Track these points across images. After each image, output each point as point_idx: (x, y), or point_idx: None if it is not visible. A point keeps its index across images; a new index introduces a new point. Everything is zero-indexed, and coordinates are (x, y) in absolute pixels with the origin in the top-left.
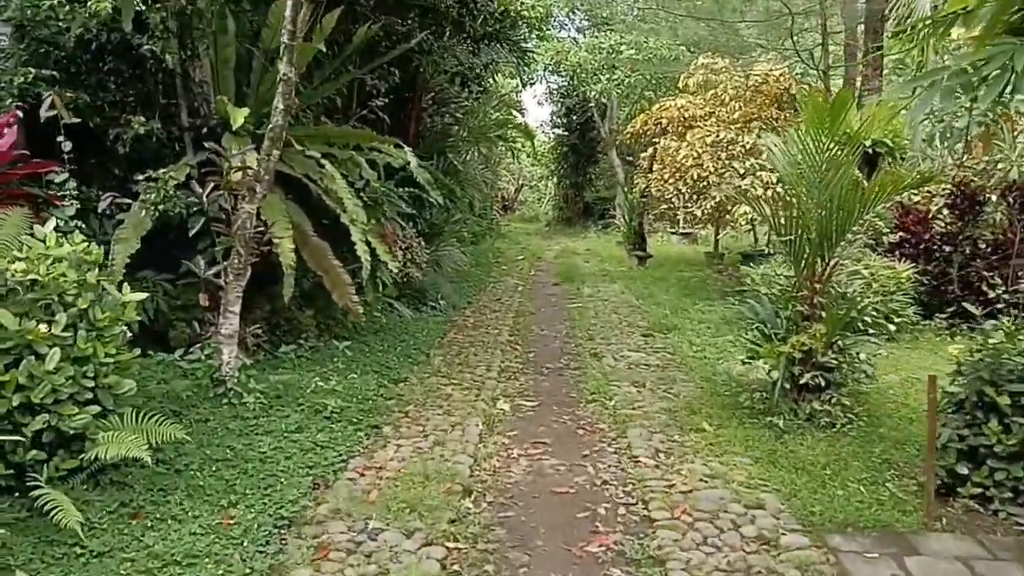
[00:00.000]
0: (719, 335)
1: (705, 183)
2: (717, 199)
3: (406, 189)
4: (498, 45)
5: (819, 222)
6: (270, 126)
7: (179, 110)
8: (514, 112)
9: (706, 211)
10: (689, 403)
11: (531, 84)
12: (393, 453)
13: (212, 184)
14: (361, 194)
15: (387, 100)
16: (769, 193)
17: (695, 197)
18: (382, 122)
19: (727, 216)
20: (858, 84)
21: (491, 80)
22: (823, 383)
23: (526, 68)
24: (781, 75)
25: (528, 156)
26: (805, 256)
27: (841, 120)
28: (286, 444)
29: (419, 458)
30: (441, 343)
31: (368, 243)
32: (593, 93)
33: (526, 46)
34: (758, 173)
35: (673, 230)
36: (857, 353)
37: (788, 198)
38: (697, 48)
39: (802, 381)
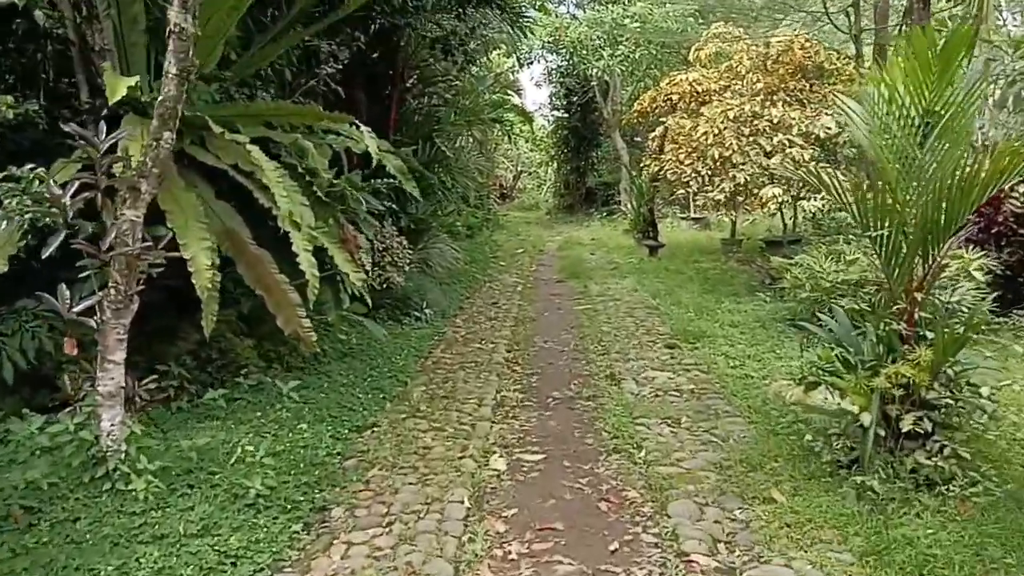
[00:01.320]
0: (756, 342)
1: (727, 163)
2: (740, 180)
3: (383, 180)
4: (487, 8)
5: (923, 209)
6: (159, 99)
7: (78, 88)
8: (511, 93)
9: (727, 194)
10: (744, 452)
11: (528, 64)
12: (339, 561)
13: (77, 183)
14: (314, 188)
15: (342, 69)
16: (799, 174)
17: (715, 179)
18: (334, 96)
19: (750, 199)
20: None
21: (479, 51)
22: (929, 427)
23: (521, 36)
24: (807, 42)
25: (527, 141)
26: (900, 256)
27: (956, 68)
28: (178, 560)
29: (374, 570)
30: (424, 366)
31: (324, 249)
32: (595, 71)
33: (519, 9)
34: (788, 150)
35: (684, 215)
36: (975, 386)
37: (877, 179)
38: (706, 18)
39: (904, 427)
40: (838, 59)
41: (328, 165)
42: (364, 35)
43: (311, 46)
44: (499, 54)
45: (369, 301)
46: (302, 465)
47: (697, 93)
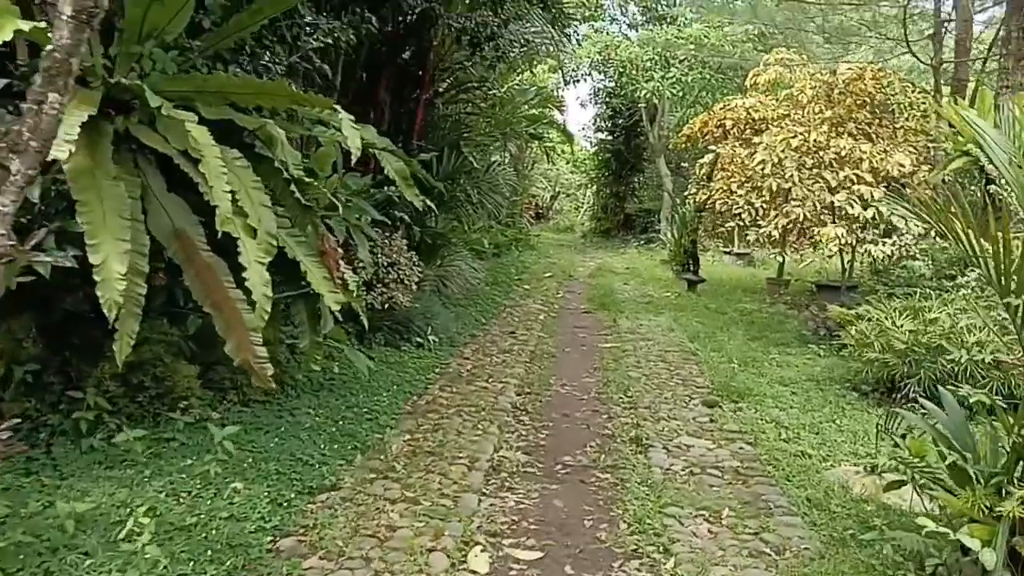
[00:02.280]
0: (812, 407)
1: (785, 196)
2: (799, 216)
3: (392, 189)
4: (527, 3)
5: None
6: (46, 50)
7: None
8: (553, 109)
9: (781, 230)
10: (806, 574)
11: (575, 82)
12: None
13: None
14: (292, 189)
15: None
16: (869, 213)
17: (770, 212)
18: (319, 77)
19: (803, 238)
20: (971, 86)
21: (516, 51)
22: None
23: (564, 41)
24: (880, 71)
25: (567, 162)
26: None
27: None
28: None
29: None
30: (414, 407)
31: (297, 264)
32: (643, 93)
33: (561, 7)
34: (855, 187)
35: (727, 249)
36: None
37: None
38: (765, 43)
39: None
40: (912, 91)
41: (334, 164)
42: (391, 25)
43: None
44: (544, 69)
45: (365, 322)
46: (216, 547)
47: (753, 120)
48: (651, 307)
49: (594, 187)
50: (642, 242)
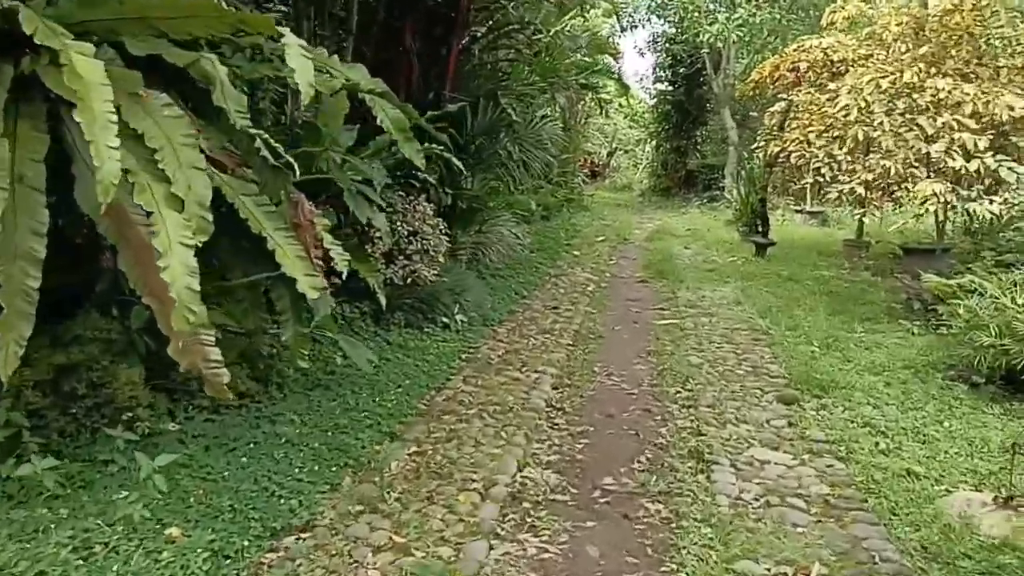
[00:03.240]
0: (913, 404)
1: (873, 146)
2: (891, 169)
3: (428, 145)
4: None
5: None
6: None
7: None
8: (607, 57)
9: (866, 185)
10: None
11: (632, 27)
12: None
13: None
14: (257, 146)
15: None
16: (973, 166)
17: (855, 166)
18: (329, 16)
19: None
20: None
21: None
22: None
23: None
24: (980, 2)
25: (624, 116)
26: None
27: None
28: None
29: None
30: (429, 406)
31: (269, 243)
32: (707, 37)
33: None
34: (957, 134)
35: (798, 207)
36: None
37: None
38: None
39: None
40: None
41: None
42: None
43: None
44: (598, 13)
45: (383, 300)
46: None
47: (831, 63)
48: (715, 275)
49: (653, 142)
50: (705, 201)
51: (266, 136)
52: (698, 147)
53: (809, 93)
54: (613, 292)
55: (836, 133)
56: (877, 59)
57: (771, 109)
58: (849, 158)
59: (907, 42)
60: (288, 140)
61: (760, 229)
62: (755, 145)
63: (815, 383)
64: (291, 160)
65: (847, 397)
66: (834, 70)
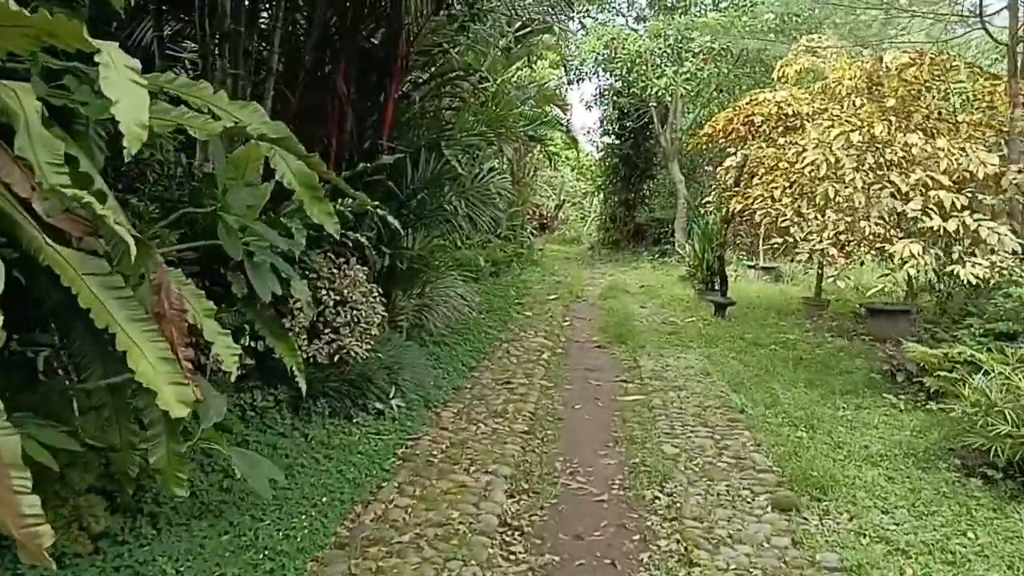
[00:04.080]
0: (925, 505)
1: (844, 202)
2: (865, 227)
3: (344, 201)
4: None
5: None
6: None
7: None
8: (556, 109)
9: (842, 243)
10: None
11: (578, 81)
12: None
13: None
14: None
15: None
16: (951, 226)
17: (826, 224)
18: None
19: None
20: None
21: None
22: None
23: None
24: (940, 55)
25: (572, 168)
26: None
27: None
28: None
29: None
30: (352, 533)
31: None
32: (654, 91)
33: None
34: (933, 192)
35: (751, 263)
36: None
37: None
38: (788, 34)
39: None
40: (982, 78)
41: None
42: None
43: None
44: (545, 64)
45: (303, 386)
46: None
47: (785, 116)
48: (676, 339)
49: (601, 195)
50: (656, 255)
51: (105, 194)
52: (646, 200)
53: (763, 147)
54: (570, 360)
55: (802, 189)
56: (832, 113)
57: (725, 164)
58: (819, 216)
59: (861, 96)
60: (182, 197)
61: (718, 288)
62: (707, 199)
63: (811, 482)
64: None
65: (850, 499)
66: (788, 123)
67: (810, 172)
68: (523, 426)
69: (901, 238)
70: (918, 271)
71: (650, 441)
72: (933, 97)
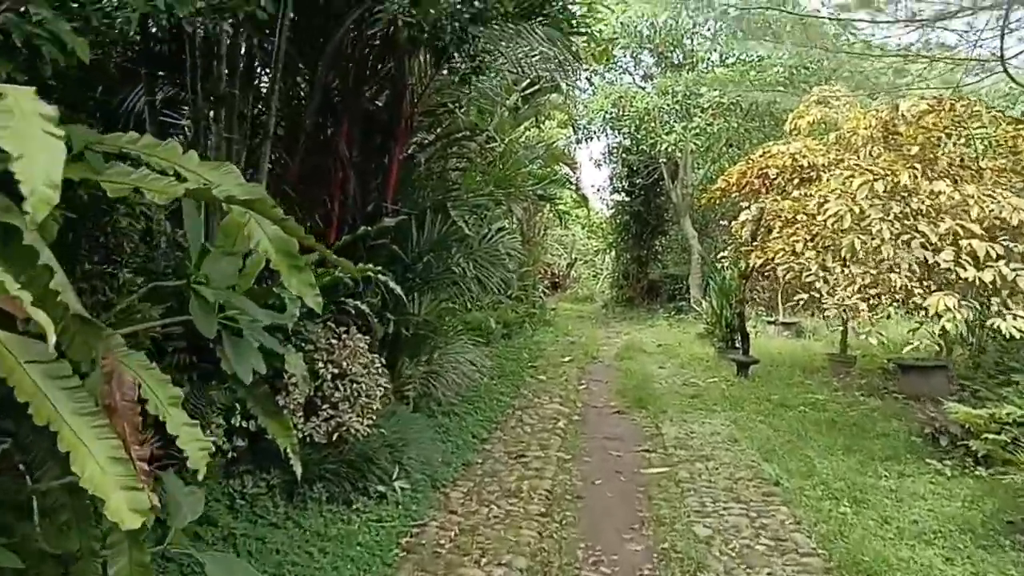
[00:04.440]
0: None
1: (873, 255)
2: (896, 280)
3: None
4: (528, 24)
5: None
6: None
7: None
8: (565, 167)
9: (871, 297)
10: None
11: (587, 139)
12: None
13: None
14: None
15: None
16: (987, 276)
17: (854, 277)
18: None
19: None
20: None
21: (492, 61)
22: None
23: (575, 62)
24: (961, 99)
25: (583, 227)
26: None
27: None
28: None
29: None
30: None
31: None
32: (663, 147)
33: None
34: (964, 241)
35: (771, 319)
36: None
37: None
38: (797, 87)
39: None
40: (1006, 123)
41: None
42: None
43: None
44: (553, 124)
45: (298, 470)
46: None
47: (800, 168)
48: (699, 402)
49: (613, 252)
50: (671, 312)
51: (52, 271)
52: (659, 257)
53: (777, 200)
54: (587, 428)
55: (826, 242)
56: (850, 163)
57: (740, 218)
58: (845, 270)
59: (877, 145)
60: (167, 268)
61: (739, 345)
62: (721, 254)
63: (863, 567)
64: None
65: None
66: (803, 175)
67: (833, 224)
68: (539, 507)
69: (933, 290)
70: (956, 325)
71: (679, 521)
72: (954, 143)
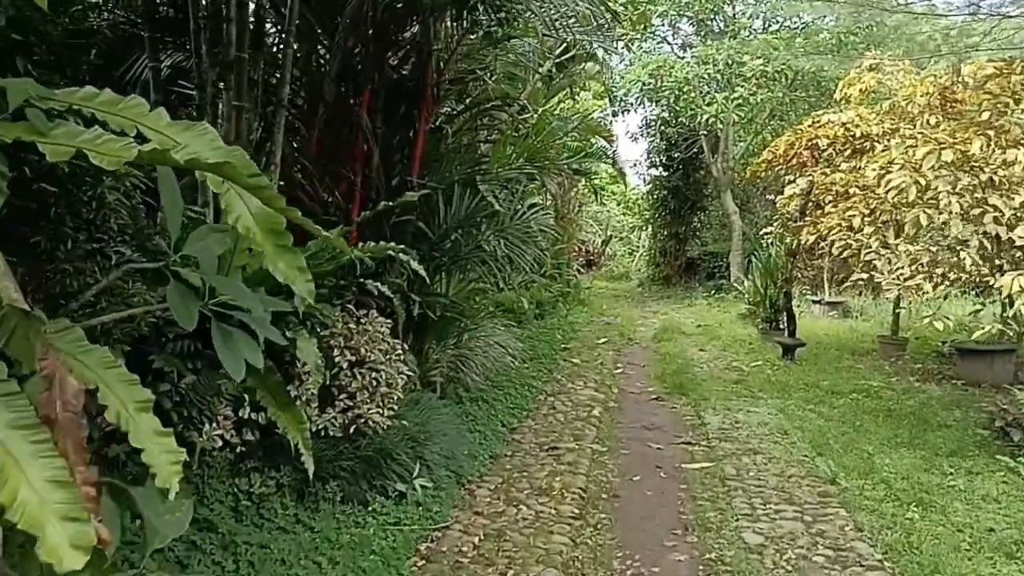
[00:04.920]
0: None
1: (940, 230)
2: (967, 262)
3: (365, 247)
4: None
5: None
6: None
7: None
8: (601, 140)
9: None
10: None
11: (623, 111)
12: None
13: None
14: None
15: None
16: None
17: (921, 255)
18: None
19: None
20: None
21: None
22: None
23: (613, 23)
24: None
25: (618, 203)
26: None
27: None
28: None
29: None
30: None
31: None
32: (704, 118)
33: None
34: None
35: (816, 297)
36: None
37: None
38: (845, 51)
39: None
40: None
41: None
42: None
43: None
44: (589, 96)
45: (310, 468)
46: None
47: (852, 138)
48: (743, 388)
49: (650, 229)
50: (711, 291)
51: None
52: (697, 234)
53: (827, 173)
54: (624, 416)
55: (885, 217)
56: (905, 132)
57: (787, 192)
58: (909, 247)
59: (935, 114)
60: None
61: (785, 327)
62: (764, 231)
63: None
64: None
65: None
66: (855, 146)
67: (895, 197)
68: (572, 507)
69: (1007, 270)
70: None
71: (727, 526)
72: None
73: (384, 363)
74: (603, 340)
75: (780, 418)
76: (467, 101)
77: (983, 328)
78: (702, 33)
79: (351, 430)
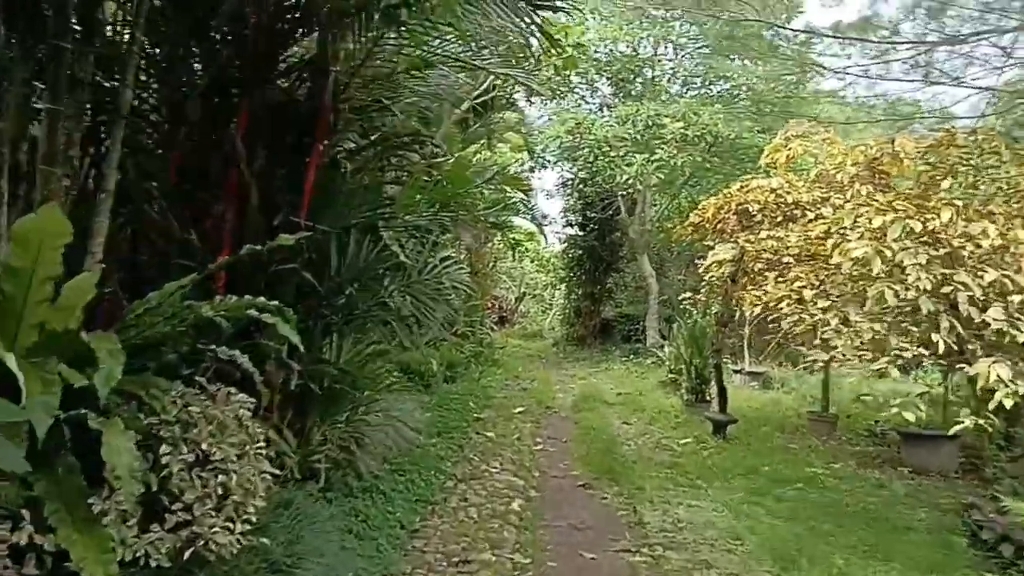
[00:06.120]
0: None
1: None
2: (939, 347)
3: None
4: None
5: None
6: None
7: None
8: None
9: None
10: None
11: (541, 167)
12: None
13: None
14: None
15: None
16: None
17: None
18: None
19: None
20: None
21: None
22: None
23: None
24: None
25: (531, 259)
26: None
27: None
28: None
29: None
30: None
31: None
32: (623, 178)
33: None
34: (1010, 297)
35: (736, 367)
36: None
37: None
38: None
39: None
40: None
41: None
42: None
43: None
44: (505, 149)
45: None
46: None
47: (784, 204)
48: (679, 473)
49: (564, 288)
50: (628, 355)
51: None
52: (612, 295)
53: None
54: (549, 510)
55: (837, 291)
56: (834, 203)
57: (712, 256)
58: (874, 327)
59: (866, 184)
60: None
61: (711, 398)
62: (685, 295)
63: None
64: None
65: None
66: (786, 213)
67: (850, 269)
68: None
69: (980, 354)
70: (1013, 398)
71: None
72: (960, 184)
73: (237, 461)
74: (520, 409)
75: (728, 516)
76: (372, 137)
77: (919, 409)
78: (620, 94)
79: (184, 556)
